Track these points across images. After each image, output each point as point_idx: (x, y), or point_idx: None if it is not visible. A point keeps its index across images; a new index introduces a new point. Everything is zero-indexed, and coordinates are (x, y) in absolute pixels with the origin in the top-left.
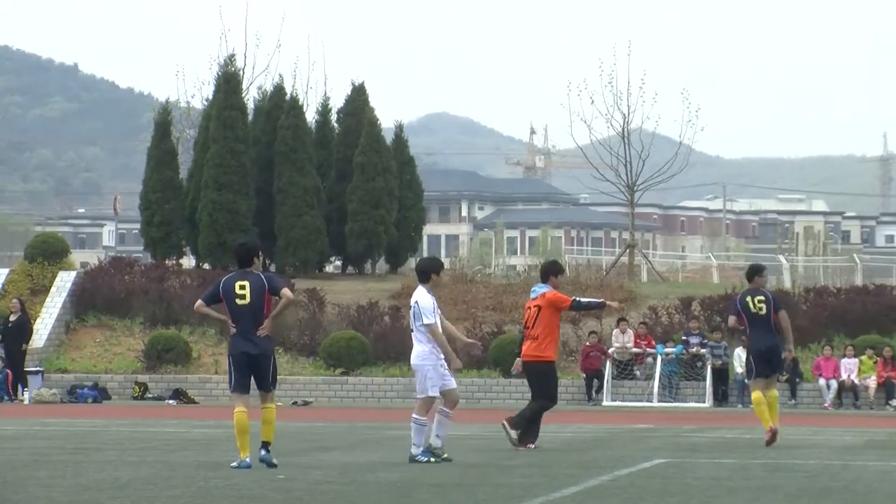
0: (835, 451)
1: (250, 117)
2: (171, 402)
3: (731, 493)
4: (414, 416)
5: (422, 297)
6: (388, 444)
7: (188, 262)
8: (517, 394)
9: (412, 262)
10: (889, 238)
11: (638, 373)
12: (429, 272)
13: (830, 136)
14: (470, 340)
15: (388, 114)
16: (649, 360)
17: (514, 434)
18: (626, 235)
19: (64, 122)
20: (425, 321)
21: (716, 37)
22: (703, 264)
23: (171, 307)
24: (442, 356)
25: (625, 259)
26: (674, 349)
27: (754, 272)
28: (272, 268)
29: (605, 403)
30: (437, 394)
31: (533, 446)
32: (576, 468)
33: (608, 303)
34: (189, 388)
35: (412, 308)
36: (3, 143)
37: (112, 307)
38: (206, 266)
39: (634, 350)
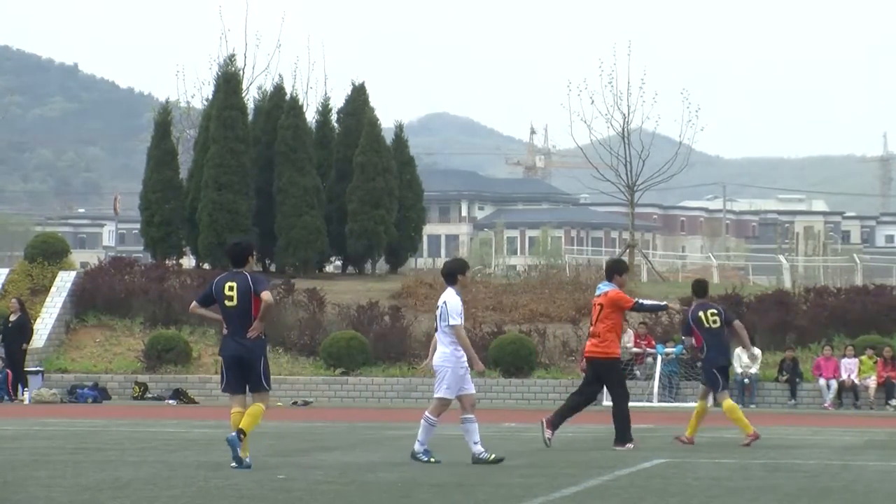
0: (835, 451)
1: (250, 117)
2: (171, 402)
3: (731, 493)
4: (427, 413)
5: (451, 298)
6: (388, 444)
7: (188, 262)
8: (517, 394)
9: (412, 263)
10: (889, 238)
11: (638, 373)
12: (455, 273)
13: (830, 136)
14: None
15: (388, 114)
16: (649, 360)
17: (623, 447)
18: (626, 235)
19: (64, 122)
20: (451, 322)
21: (716, 37)
22: (703, 264)
23: (171, 307)
24: (464, 358)
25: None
26: (674, 349)
27: (703, 289)
28: (272, 268)
29: (605, 403)
30: (452, 396)
31: (631, 445)
32: (576, 468)
33: (671, 306)
34: (189, 388)
35: (439, 309)
36: (3, 143)
37: (112, 307)
38: (206, 266)
39: (634, 350)
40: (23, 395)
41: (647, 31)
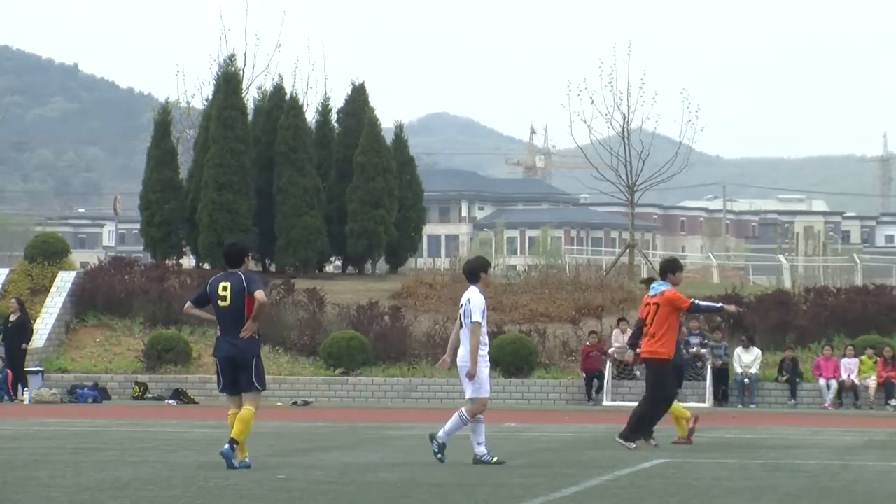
0: (835, 451)
1: (250, 117)
2: (171, 402)
3: (731, 493)
4: (469, 418)
5: (474, 296)
6: (389, 444)
7: (188, 262)
8: (517, 394)
9: (412, 263)
10: (889, 238)
11: (638, 373)
12: (477, 271)
13: (830, 136)
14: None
15: (388, 114)
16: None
17: (625, 443)
18: (626, 235)
19: (64, 122)
20: (473, 318)
21: (716, 37)
22: (703, 264)
23: (171, 307)
24: (486, 356)
25: (625, 259)
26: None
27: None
28: (272, 268)
29: (605, 403)
30: (488, 394)
31: (633, 446)
32: (576, 468)
33: (726, 308)
34: (189, 388)
35: (462, 307)
36: (3, 143)
37: (112, 307)
38: (206, 266)
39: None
40: (23, 395)
41: (647, 31)
